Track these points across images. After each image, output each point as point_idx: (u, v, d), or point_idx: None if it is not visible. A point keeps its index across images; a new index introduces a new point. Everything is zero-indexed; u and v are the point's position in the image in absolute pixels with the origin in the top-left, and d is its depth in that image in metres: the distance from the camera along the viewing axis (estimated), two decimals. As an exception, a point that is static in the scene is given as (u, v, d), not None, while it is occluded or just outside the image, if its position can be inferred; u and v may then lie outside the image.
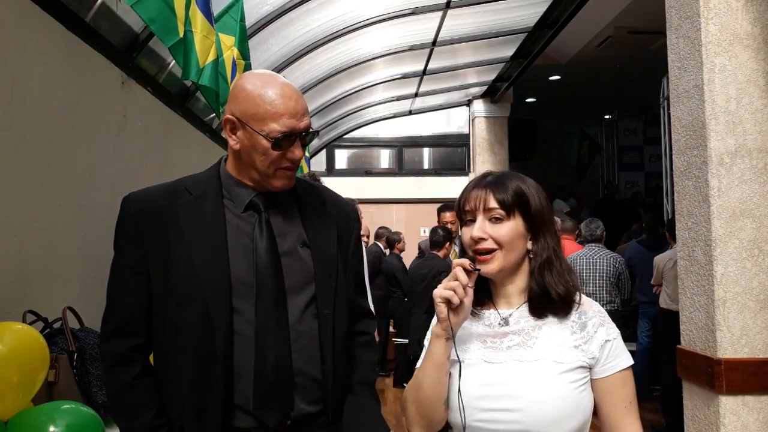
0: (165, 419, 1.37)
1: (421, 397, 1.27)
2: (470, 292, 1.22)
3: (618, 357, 1.26)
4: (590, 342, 1.24)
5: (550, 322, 1.26)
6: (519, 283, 1.30)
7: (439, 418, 1.28)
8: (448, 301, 1.20)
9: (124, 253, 1.42)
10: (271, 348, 1.37)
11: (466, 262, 1.22)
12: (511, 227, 1.26)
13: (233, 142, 1.41)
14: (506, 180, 1.29)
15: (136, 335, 1.39)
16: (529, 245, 1.28)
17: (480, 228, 1.26)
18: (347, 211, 1.60)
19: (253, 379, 1.36)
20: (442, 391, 1.25)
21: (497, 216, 1.25)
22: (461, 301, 1.20)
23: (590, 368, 1.24)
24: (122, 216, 1.44)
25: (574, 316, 1.26)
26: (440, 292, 1.20)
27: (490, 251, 1.25)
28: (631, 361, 1.28)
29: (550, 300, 1.26)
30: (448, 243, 4.87)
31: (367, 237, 6.47)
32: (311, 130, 1.42)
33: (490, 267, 1.25)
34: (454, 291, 1.19)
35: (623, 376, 1.26)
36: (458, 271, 1.21)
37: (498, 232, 1.25)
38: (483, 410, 1.22)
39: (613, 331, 1.27)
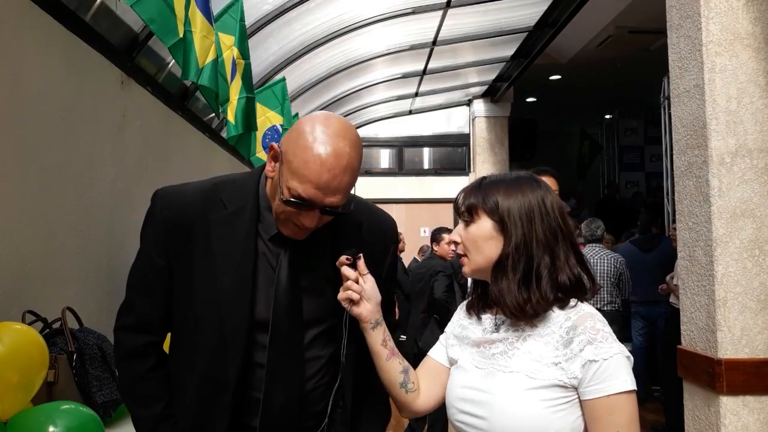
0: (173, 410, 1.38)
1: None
2: (368, 278, 1.31)
3: (606, 381, 1.13)
4: (572, 360, 1.15)
5: (537, 334, 1.20)
6: None
7: (403, 402, 1.36)
8: (350, 301, 1.30)
9: (149, 255, 1.38)
10: (280, 386, 1.34)
11: (343, 258, 1.31)
12: (474, 229, 1.25)
13: (269, 168, 1.35)
14: (483, 182, 1.28)
15: (153, 334, 1.40)
16: (502, 248, 1.22)
17: (456, 231, 1.29)
18: (384, 230, 1.51)
19: (260, 415, 1.34)
20: (390, 376, 1.34)
21: (466, 218, 1.27)
22: (360, 295, 1.29)
23: (576, 388, 1.16)
24: (151, 215, 1.39)
25: (561, 330, 1.18)
26: (340, 296, 1.31)
27: (463, 254, 1.29)
28: (628, 387, 1.14)
29: (503, 307, 1.22)
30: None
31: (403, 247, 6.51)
32: (339, 211, 1.29)
33: (465, 270, 1.29)
34: (350, 290, 1.29)
35: (611, 402, 1.13)
36: (345, 271, 1.30)
37: (465, 234, 1.27)
38: (460, 412, 1.25)
39: (603, 352, 1.14)
